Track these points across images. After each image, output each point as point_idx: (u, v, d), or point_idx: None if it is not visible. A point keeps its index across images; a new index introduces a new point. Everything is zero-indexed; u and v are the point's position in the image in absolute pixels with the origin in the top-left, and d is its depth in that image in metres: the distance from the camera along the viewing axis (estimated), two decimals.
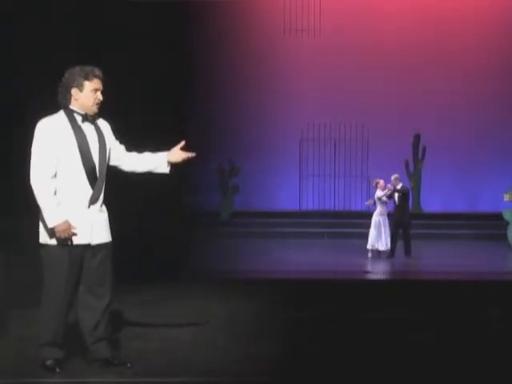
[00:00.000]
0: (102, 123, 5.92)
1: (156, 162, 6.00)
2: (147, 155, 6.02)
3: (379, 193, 14.74)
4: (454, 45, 19.52)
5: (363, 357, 6.41)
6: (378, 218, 14.69)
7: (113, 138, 5.96)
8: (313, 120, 19.74)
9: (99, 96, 5.78)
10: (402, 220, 14.57)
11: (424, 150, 19.39)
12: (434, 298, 9.31)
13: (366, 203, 15.09)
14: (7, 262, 7.89)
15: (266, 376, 5.85)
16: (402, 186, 14.85)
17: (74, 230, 5.64)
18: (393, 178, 14.89)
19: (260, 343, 6.78)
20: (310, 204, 20.06)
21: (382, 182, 14.84)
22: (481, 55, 19.50)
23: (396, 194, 14.65)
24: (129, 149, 6.06)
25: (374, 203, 14.84)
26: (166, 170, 6.04)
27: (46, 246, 5.72)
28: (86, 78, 5.74)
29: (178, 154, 6.03)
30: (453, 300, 9.21)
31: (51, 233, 5.65)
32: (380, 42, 19.49)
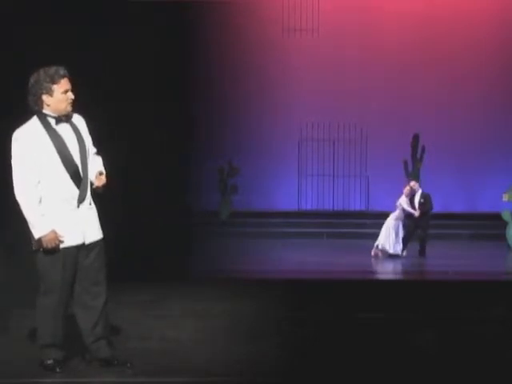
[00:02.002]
0: (77, 119, 5.87)
1: (94, 177, 5.89)
2: (95, 167, 5.92)
3: (403, 199, 14.80)
4: (454, 44, 19.50)
5: (363, 357, 6.41)
6: (392, 222, 14.73)
7: (88, 135, 5.90)
8: (312, 120, 19.73)
9: (70, 96, 5.71)
10: (420, 223, 14.69)
11: (423, 149, 19.37)
12: (434, 298, 9.31)
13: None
14: (7, 262, 7.89)
15: (265, 376, 5.85)
16: (423, 193, 14.99)
17: (61, 238, 5.63)
18: (412, 184, 15.01)
19: (260, 343, 6.77)
20: (308, 204, 20.06)
21: (407, 189, 14.91)
22: (481, 55, 19.49)
23: (417, 201, 14.80)
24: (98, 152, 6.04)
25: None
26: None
27: (39, 251, 5.72)
28: (53, 81, 5.65)
29: (98, 179, 5.87)
30: (453, 300, 9.21)
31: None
32: (379, 42, 19.49)
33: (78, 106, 5.90)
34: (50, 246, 5.59)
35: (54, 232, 5.58)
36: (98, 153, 6.02)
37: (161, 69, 11.62)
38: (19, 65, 7.79)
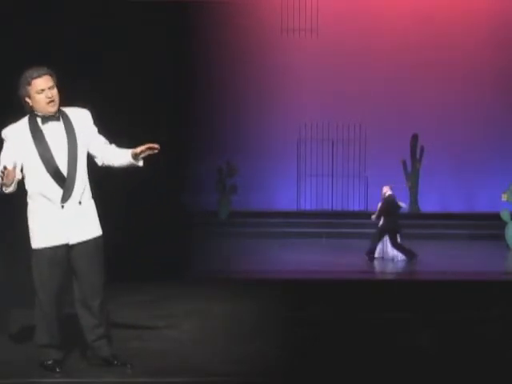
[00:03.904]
0: (76, 114, 5.84)
1: (129, 155, 5.80)
2: (123, 150, 5.87)
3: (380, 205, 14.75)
4: (453, 45, 19.50)
5: (363, 357, 6.42)
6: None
7: (90, 128, 5.87)
8: (311, 120, 19.73)
9: (48, 94, 5.67)
10: (385, 227, 14.56)
11: (422, 149, 19.38)
12: (432, 298, 9.31)
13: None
14: (7, 262, 7.89)
15: (265, 376, 5.85)
16: (388, 195, 14.85)
17: (45, 236, 5.65)
18: (384, 189, 14.88)
19: (260, 343, 6.78)
20: (307, 204, 20.05)
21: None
22: (480, 56, 19.50)
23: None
24: (113, 142, 5.97)
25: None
26: (137, 162, 5.82)
27: (31, 250, 5.77)
28: (28, 84, 5.67)
29: (142, 147, 5.77)
30: (452, 300, 9.22)
31: (32, 236, 5.72)
32: (379, 42, 19.48)
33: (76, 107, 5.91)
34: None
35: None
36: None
37: (160, 69, 11.60)
38: (19, 65, 7.78)
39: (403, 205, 14.67)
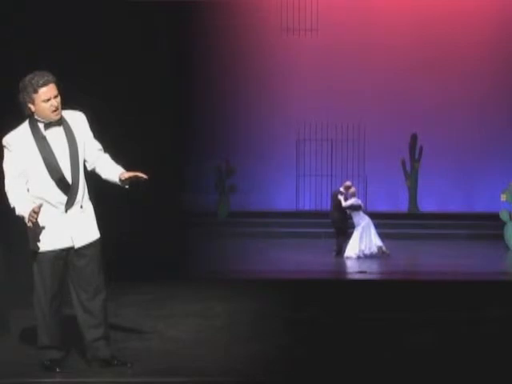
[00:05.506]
0: (74, 118, 5.84)
1: (117, 176, 5.82)
2: (114, 166, 5.88)
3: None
4: (452, 45, 19.50)
5: (362, 357, 6.42)
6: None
7: (87, 133, 5.87)
8: (310, 120, 19.73)
9: (53, 103, 5.65)
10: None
11: (421, 149, 19.40)
12: (431, 298, 9.31)
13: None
14: (7, 262, 7.89)
15: (265, 376, 5.85)
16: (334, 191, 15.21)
17: (47, 239, 5.65)
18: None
19: (260, 343, 6.78)
20: (306, 204, 20.06)
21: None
22: (479, 56, 19.51)
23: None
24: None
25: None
26: (122, 185, 5.83)
27: (31, 252, 5.76)
28: (34, 91, 5.62)
29: (130, 173, 5.81)
30: (451, 300, 9.21)
31: (34, 239, 5.70)
32: (378, 42, 19.48)
33: (75, 108, 5.91)
34: (29, 218, 5.49)
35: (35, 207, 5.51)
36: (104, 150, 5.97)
37: (159, 69, 11.61)
38: (19, 65, 7.80)
39: (345, 204, 14.77)
